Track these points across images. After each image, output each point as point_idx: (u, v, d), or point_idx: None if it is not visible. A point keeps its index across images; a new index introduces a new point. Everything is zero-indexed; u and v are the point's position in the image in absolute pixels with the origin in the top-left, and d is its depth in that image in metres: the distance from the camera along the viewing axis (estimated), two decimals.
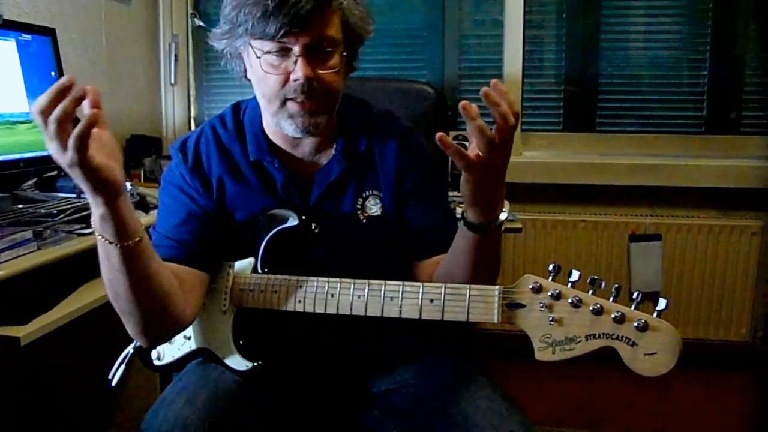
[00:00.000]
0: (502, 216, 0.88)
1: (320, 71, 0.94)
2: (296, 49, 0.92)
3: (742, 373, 2.36)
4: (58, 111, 0.69)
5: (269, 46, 0.93)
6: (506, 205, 0.90)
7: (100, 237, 0.80)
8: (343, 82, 1.01)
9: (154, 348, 1.08)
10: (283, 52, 0.93)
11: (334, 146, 1.06)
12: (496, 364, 1.14)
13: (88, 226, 1.49)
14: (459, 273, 0.94)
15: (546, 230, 2.45)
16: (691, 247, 2.38)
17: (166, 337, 1.00)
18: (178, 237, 1.00)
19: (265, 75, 0.95)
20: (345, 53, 0.98)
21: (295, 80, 0.92)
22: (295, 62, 0.92)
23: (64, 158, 0.71)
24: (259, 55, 0.94)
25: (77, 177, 0.73)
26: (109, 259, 0.82)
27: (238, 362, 1.00)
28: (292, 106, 0.95)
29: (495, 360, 1.18)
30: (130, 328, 0.91)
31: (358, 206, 1.05)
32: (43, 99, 0.70)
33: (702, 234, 2.37)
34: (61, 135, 0.70)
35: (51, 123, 0.69)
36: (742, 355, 2.39)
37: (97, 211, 0.78)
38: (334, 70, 0.96)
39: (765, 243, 2.36)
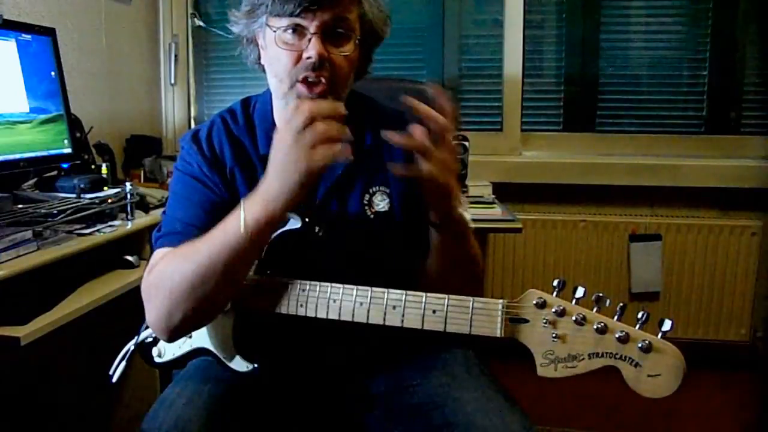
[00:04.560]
0: (467, 216, 0.93)
1: (333, 53, 0.95)
2: (312, 28, 0.93)
3: (742, 373, 2.36)
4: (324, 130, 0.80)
5: (286, 22, 0.94)
6: (465, 204, 0.95)
7: (252, 231, 0.85)
8: (353, 72, 1.01)
9: (174, 341, 1.06)
10: (300, 30, 0.94)
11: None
12: (496, 364, 1.14)
13: (88, 226, 1.50)
14: (434, 269, 1.01)
15: (546, 230, 2.45)
16: (691, 247, 2.38)
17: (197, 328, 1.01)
18: (202, 224, 0.97)
19: (279, 52, 0.96)
20: (359, 41, 0.99)
21: (308, 58, 0.93)
22: (309, 41, 0.93)
23: (309, 145, 0.81)
24: (275, 30, 0.95)
25: (305, 167, 0.81)
26: (242, 248, 0.86)
27: (238, 363, 1.00)
28: (300, 88, 0.96)
29: (495, 360, 1.18)
30: (185, 317, 0.91)
31: (365, 202, 1.05)
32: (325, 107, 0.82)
33: (702, 234, 2.37)
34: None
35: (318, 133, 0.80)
36: (742, 355, 2.40)
37: (271, 207, 0.84)
38: (346, 54, 0.96)
39: (765, 243, 2.37)
